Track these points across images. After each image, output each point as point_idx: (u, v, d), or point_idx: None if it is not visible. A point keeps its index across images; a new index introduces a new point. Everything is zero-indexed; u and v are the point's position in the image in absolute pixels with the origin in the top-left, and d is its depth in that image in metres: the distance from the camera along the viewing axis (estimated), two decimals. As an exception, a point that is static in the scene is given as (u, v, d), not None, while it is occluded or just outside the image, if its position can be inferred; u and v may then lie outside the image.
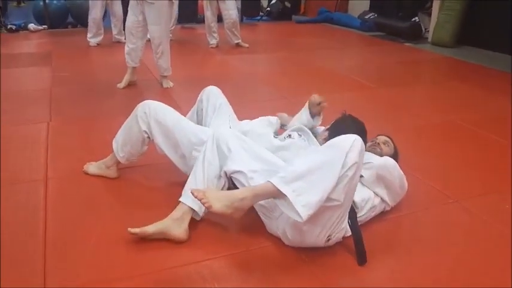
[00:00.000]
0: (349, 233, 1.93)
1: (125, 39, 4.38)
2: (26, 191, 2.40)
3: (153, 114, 2.27)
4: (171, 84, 4.33)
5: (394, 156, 2.33)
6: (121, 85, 4.24)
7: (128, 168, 2.59)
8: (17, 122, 3.39)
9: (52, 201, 2.29)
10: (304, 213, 1.65)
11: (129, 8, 4.11)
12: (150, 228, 1.89)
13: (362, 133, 2.19)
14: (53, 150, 2.90)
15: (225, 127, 2.31)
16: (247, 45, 6.36)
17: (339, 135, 1.81)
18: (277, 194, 1.70)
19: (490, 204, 2.38)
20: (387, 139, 2.40)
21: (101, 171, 2.52)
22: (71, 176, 2.57)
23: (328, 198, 1.69)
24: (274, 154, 2.10)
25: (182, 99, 3.85)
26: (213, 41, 6.34)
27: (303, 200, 1.65)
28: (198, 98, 2.61)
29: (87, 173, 2.54)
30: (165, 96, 4.00)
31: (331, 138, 1.88)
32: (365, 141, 2.12)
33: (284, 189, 1.67)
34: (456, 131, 3.44)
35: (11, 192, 2.36)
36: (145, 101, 2.36)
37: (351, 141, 1.71)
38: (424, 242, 2.03)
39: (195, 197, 1.74)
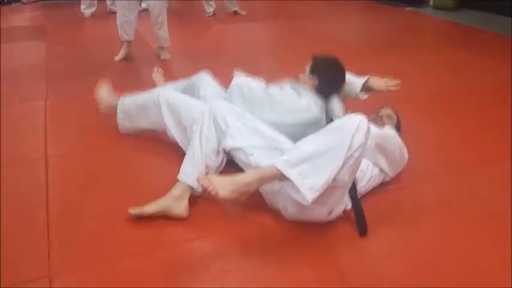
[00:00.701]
0: (350, 206, 1.93)
1: None
2: (26, 171, 2.40)
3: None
4: (168, 56, 4.28)
5: (397, 128, 2.32)
6: (118, 58, 4.18)
7: (128, 142, 2.58)
8: (13, 100, 3.36)
9: (53, 181, 2.29)
10: (310, 195, 1.65)
11: None
12: (151, 208, 1.90)
13: (342, 73, 2.43)
14: (51, 128, 2.89)
15: (221, 99, 2.28)
16: (244, 12, 6.24)
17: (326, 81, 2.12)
18: (283, 177, 1.69)
19: (490, 173, 2.37)
20: (391, 113, 2.38)
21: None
22: (71, 154, 2.57)
23: (333, 179, 1.68)
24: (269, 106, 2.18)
25: (180, 72, 3.79)
26: (210, 9, 6.22)
27: (308, 183, 1.65)
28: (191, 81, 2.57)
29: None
30: (164, 69, 3.93)
31: (321, 85, 2.20)
32: (343, 80, 2.42)
33: (289, 173, 1.66)
34: (456, 99, 3.40)
35: (11, 173, 2.36)
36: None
37: (356, 123, 1.69)
38: (424, 213, 2.04)
39: (202, 185, 1.74)
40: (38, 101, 3.32)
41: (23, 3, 7.16)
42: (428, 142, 2.72)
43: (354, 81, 2.43)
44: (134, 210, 1.90)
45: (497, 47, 4.87)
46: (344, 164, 1.67)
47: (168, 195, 1.93)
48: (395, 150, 2.13)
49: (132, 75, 3.94)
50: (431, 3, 6.89)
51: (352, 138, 1.66)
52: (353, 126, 1.68)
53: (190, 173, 1.94)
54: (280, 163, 1.68)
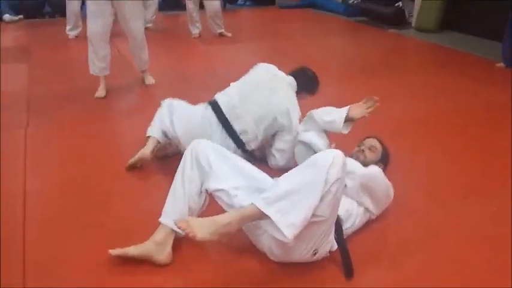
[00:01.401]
0: (336, 247, 1.90)
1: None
2: (3, 207, 2.31)
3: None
4: (153, 80, 4.22)
5: (383, 159, 2.31)
6: (99, 94, 3.91)
7: (112, 176, 2.53)
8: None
9: (31, 219, 2.21)
10: (290, 233, 1.62)
11: (92, 14, 3.75)
12: (132, 251, 1.84)
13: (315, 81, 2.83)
14: (31, 160, 2.81)
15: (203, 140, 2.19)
16: (230, 34, 6.24)
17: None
18: (262, 215, 1.66)
19: (476, 205, 2.37)
20: (374, 143, 2.35)
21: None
22: (51, 189, 2.50)
23: (313, 215, 1.67)
24: None
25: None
26: (196, 31, 6.22)
27: (286, 221, 1.63)
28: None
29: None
30: (148, 98, 3.91)
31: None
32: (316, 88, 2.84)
33: (267, 211, 1.64)
34: (440, 124, 3.43)
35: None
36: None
37: (331, 158, 1.68)
38: (411, 252, 2.02)
39: (179, 228, 1.69)
40: (18, 130, 3.24)
41: (6, 22, 7.06)
42: (415, 170, 2.73)
43: (333, 118, 2.38)
44: (115, 252, 1.85)
45: (481, 69, 4.95)
46: (322, 199, 1.66)
47: (151, 241, 1.87)
48: (381, 190, 2.11)
49: (118, 102, 3.90)
50: (413, 24, 7.00)
51: (327, 173, 1.65)
52: (327, 161, 1.67)
53: (172, 215, 1.89)
54: (259, 201, 1.66)
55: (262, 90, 2.64)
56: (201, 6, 6.14)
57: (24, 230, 2.13)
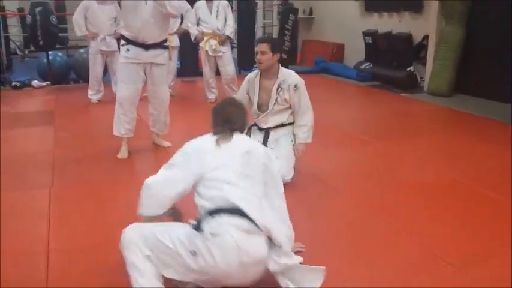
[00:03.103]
0: None
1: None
2: (27, 264, 2.38)
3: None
4: (169, 143, 4.34)
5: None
6: (124, 155, 4.06)
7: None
8: (18, 188, 3.42)
9: (54, 276, 2.27)
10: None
11: (124, 78, 3.94)
12: None
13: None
14: (55, 219, 2.91)
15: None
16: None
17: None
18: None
19: (491, 269, 2.35)
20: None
21: None
22: (74, 248, 2.56)
23: None
24: None
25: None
26: (212, 96, 6.45)
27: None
28: None
29: None
30: (168, 159, 4.03)
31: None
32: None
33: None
34: (454, 188, 3.43)
35: (10, 266, 2.34)
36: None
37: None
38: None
39: None
40: (43, 190, 3.36)
41: (35, 88, 7.45)
42: (427, 234, 2.70)
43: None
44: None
45: (495, 132, 4.96)
46: None
47: None
48: None
49: (139, 164, 4.04)
50: (425, 88, 7.17)
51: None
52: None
53: None
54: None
55: None
56: (217, 72, 6.42)
57: (47, 284, 2.18)
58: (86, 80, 6.66)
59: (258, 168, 2.13)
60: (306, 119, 3.43)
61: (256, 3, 9.88)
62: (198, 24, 6.11)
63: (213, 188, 2.03)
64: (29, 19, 7.32)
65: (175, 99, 6.36)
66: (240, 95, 3.56)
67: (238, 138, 2.21)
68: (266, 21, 11.53)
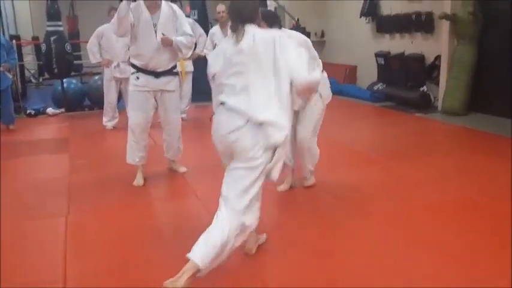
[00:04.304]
0: None
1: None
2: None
3: None
4: (185, 168, 4.33)
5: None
6: (140, 182, 4.02)
7: (150, 268, 2.55)
8: (34, 216, 3.41)
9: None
10: None
11: (136, 106, 3.94)
12: None
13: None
14: (71, 247, 2.89)
15: None
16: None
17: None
18: None
19: None
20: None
21: None
22: (91, 274, 2.54)
23: None
24: None
25: (200, 186, 3.89)
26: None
27: None
28: None
29: None
30: (185, 185, 4.04)
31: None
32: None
33: None
34: (473, 208, 3.38)
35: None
36: None
37: None
38: None
39: None
40: (59, 218, 3.35)
41: (49, 115, 7.52)
42: (450, 254, 2.63)
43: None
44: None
45: (509, 150, 4.83)
46: None
47: None
48: None
49: (155, 190, 4.00)
50: (439, 108, 7.11)
51: None
52: None
53: None
54: None
55: None
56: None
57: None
58: (101, 107, 6.72)
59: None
60: None
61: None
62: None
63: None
64: (44, 47, 7.42)
65: (189, 124, 6.40)
66: None
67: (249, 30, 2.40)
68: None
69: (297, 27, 9.73)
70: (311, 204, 3.55)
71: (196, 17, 7.29)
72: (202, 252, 2.20)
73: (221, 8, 5.92)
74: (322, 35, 10.43)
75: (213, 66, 2.54)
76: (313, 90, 2.69)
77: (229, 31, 2.48)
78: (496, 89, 6.51)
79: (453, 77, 6.84)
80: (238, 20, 2.42)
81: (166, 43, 3.81)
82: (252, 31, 2.39)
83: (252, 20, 2.43)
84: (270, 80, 2.32)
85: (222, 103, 2.40)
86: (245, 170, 2.34)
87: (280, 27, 3.26)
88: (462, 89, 6.72)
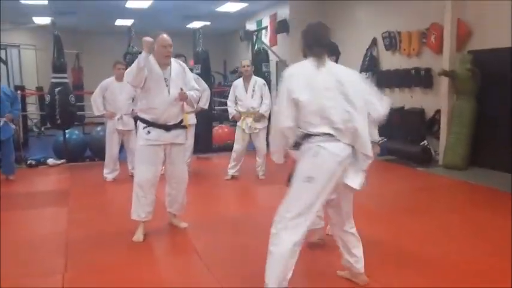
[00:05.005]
0: None
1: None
2: None
3: None
4: (185, 224, 4.25)
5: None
6: (139, 238, 3.93)
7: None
8: (30, 273, 3.31)
9: None
10: None
11: (144, 160, 3.89)
12: None
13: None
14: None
15: None
16: (264, 177, 6.40)
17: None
18: None
19: None
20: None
21: None
22: None
23: None
24: None
25: (202, 244, 3.80)
26: (233, 171, 6.41)
27: None
28: None
29: None
30: (186, 241, 3.96)
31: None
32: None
33: None
34: (476, 268, 3.32)
35: None
36: None
37: None
38: None
39: None
40: (56, 275, 3.25)
41: (50, 166, 7.49)
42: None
43: None
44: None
45: (510, 205, 4.86)
46: None
47: None
48: None
49: (155, 248, 3.90)
50: (440, 162, 7.11)
51: None
52: None
53: None
54: None
55: None
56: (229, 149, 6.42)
57: None
58: (102, 158, 6.70)
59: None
60: None
61: (270, 80, 10.12)
62: (236, 103, 6.26)
63: None
64: (48, 98, 7.50)
65: (190, 176, 6.32)
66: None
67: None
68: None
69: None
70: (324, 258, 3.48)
71: (199, 70, 7.42)
72: None
73: (246, 62, 6.28)
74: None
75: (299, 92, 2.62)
76: None
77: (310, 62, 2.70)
78: (496, 144, 6.56)
79: (454, 132, 6.89)
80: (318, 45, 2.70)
81: (183, 98, 3.90)
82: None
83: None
84: None
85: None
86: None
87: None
88: (463, 144, 6.77)
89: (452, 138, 6.90)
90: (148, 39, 3.68)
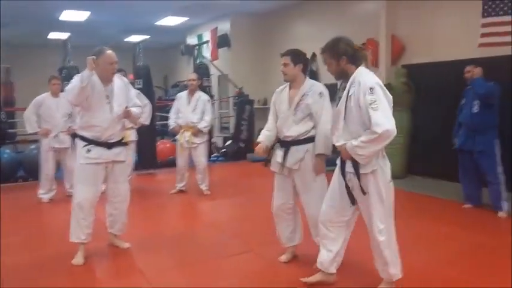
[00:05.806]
0: None
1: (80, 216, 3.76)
2: None
3: None
4: (127, 244, 4.11)
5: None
6: (80, 261, 3.74)
7: None
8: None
9: None
10: None
11: (85, 180, 3.72)
12: None
13: None
14: None
15: None
16: (209, 192, 6.33)
17: None
18: None
19: None
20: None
21: None
22: None
23: None
24: None
25: (147, 265, 3.66)
26: (181, 185, 6.35)
27: None
28: None
29: None
30: (129, 263, 3.80)
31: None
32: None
33: None
34: (427, 276, 3.41)
35: None
36: None
37: None
38: None
39: None
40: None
41: (-22, 188, 6.99)
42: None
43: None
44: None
45: (447, 213, 5.13)
46: None
47: None
48: None
49: (98, 275, 3.70)
50: (379, 171, 7.34)
51: None
52: None
53: None
54: None
55: None
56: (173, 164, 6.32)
57: None
58: (36, 178, 6.35)
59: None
60: (321, 127, 3.46)
61: (213, 95, 10.10)
62: (177, 115, 6.18)
63: None
64: (-25, 116, 7.07)
65: (133, 194, 6.13)
66: (269, 120, 3.84)
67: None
68: (222, 111, 11.72)
69: (241, 95, 9.96)
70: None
71: (141, 85, 7.27)
72: None
73: (193, 76, 6.28)
74: (265, 102, 10.67)
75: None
76: None
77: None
78: (430, 153, 6.93)
79: (392, 142, 7.13)
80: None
81: (127, 115, 3.81)
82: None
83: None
84: None
85: None
86: None
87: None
88: (401, 153, 7.06)
89: (390, 148, 7.11)
90: (92, 58, 3.52)
